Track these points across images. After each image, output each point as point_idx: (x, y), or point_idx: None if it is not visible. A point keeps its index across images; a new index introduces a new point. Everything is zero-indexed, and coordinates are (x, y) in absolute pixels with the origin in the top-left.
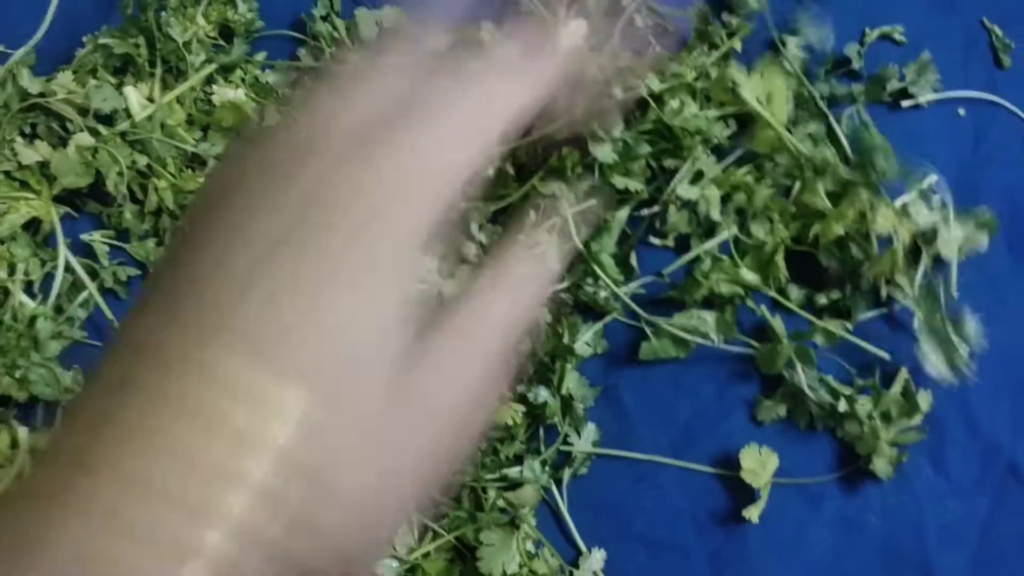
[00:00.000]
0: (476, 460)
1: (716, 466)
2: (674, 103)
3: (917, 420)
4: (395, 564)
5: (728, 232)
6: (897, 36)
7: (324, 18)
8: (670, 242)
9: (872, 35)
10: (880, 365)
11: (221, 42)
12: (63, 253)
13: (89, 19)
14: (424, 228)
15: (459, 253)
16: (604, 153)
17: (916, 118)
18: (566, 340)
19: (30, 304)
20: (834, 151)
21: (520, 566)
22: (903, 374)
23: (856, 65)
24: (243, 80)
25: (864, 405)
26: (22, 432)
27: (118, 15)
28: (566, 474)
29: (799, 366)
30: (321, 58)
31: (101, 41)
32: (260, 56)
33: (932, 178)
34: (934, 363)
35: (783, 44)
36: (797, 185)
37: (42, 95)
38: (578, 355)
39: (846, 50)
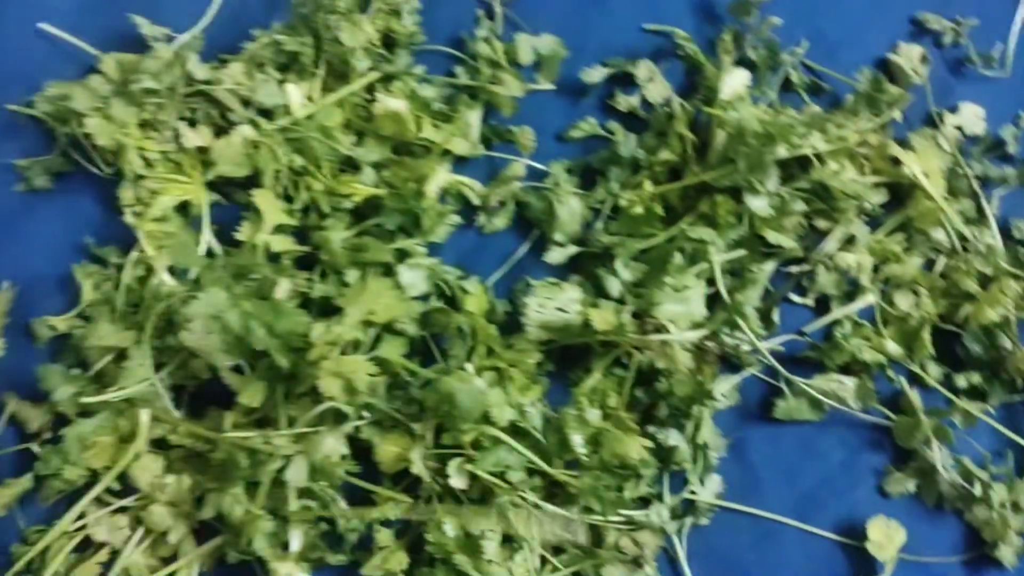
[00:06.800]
0: (599, 496)
1: (840, 533)
2: (834, 165)
3: None
4: None
5: (875, 299)
6: None
7: (484, 39)
8: (810, 301)
9: None
10: (1015, 452)
11: (383, 51)
12: (207, 238)
13: (255, 11)
14: None
15: (602, 287)
16: (760, 205)
17: None
18: (707, 387)
19: (170, 283)
20: (992, 232)
21: None
22: None
23: (1011, 148)
24: (400, 91)
25: (999, 492)
26: (144, 415)
27: (284, 11)
28: (687, 523)
29: (935, 443)
30: (477, 78)
31: (274, 37)
32: (418, 69)
33: None
34: None
35: (941, 120)
36: (942, 261)
37: (207, 82)
38: (715, 404)
39: (1001, 132)
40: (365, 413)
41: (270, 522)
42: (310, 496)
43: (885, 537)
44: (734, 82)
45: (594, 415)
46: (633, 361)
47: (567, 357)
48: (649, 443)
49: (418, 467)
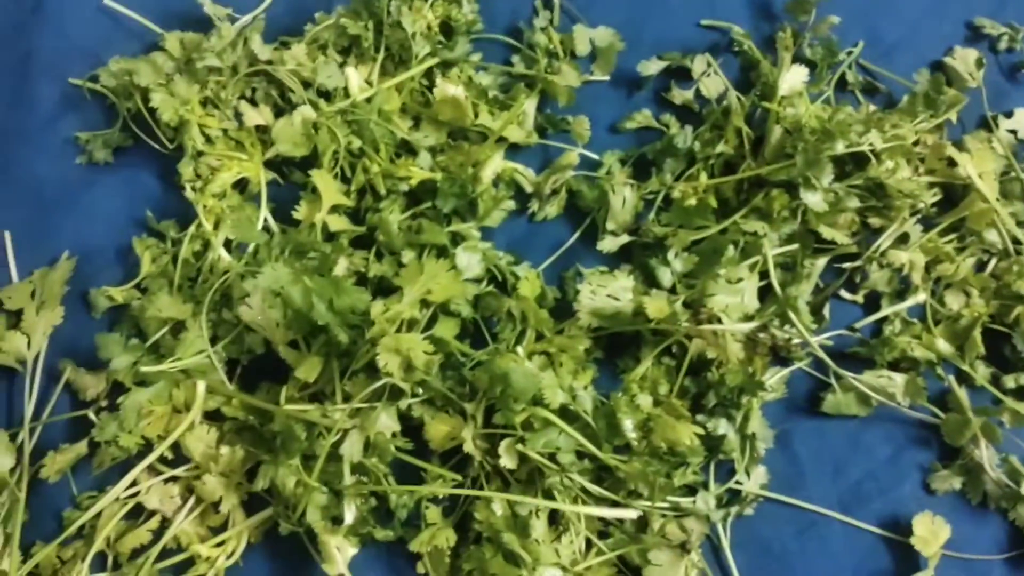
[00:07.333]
0: (648, 481)
1: (883, 527)
2: (889, 163)
3: None
4: (559, 574)
5: (926, 298)
6: None
7: (542, 29)
8: (859, 298)
9: None
10: None
11: (441, 38)
12: (264, 215)
13: None
14: None
15: (653, 277)
16: (815, 201)
17: None
18: (758, 378)
19: (227, 258)
20: None
21: None
22: None
23: None
24: (458, 78)
25: None
26: (200, 386)
27: None
28: (732, 512)
29: (982, 442)
30: (533, 67)
31: (336, 20)
32: (476, 57)
33: None
34: None
35: (995, 123)
36: (993, 262)
37: (269, 62)
38: (764, 396)
39: None
40: (419, 390)
41: (324, 495)
42: (362, 471)
43: (930, 533)
44: (793, 78)
45: (645, 401)
46: (691, 350)
47: (615, 345)
48: (700, 430)
49: (469, 446)
